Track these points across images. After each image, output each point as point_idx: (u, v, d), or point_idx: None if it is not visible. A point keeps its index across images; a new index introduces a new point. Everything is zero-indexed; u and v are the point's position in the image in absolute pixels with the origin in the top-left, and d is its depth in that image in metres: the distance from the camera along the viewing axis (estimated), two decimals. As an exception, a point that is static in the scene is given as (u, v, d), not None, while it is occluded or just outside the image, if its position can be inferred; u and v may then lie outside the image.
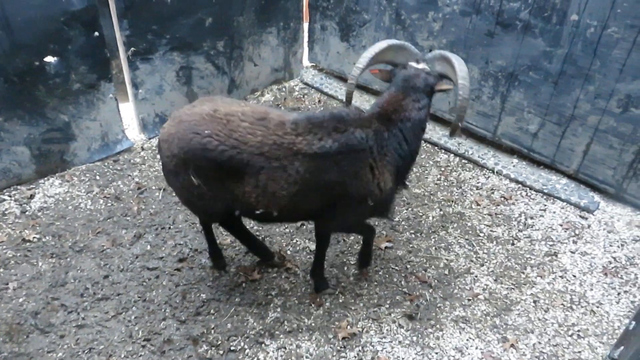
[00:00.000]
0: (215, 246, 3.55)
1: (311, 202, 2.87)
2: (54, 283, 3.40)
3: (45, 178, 4.26)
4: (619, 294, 3.53)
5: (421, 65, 2.96)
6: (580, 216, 4.17)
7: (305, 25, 5.95)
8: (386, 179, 2.89)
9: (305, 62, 6.21)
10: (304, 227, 3.98)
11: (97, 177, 4.33)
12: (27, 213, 3.92)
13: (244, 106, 2.85)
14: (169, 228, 3.89)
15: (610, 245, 3.90)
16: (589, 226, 4.08)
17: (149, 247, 3.72)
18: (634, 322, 2.74)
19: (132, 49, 4.41)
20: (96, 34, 4.07)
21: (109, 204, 4.07)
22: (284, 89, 5.82)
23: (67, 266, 3.53)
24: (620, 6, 3.64)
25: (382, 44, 2.91)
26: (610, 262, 3.76)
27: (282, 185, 2.74)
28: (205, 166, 2.74)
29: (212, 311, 3.31)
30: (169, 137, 2.81)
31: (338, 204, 2.91)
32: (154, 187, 4.27)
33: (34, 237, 3.70)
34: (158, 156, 4.61)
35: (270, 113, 2.82)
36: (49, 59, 3.91)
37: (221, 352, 3.07)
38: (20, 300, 3.28)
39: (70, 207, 4.01)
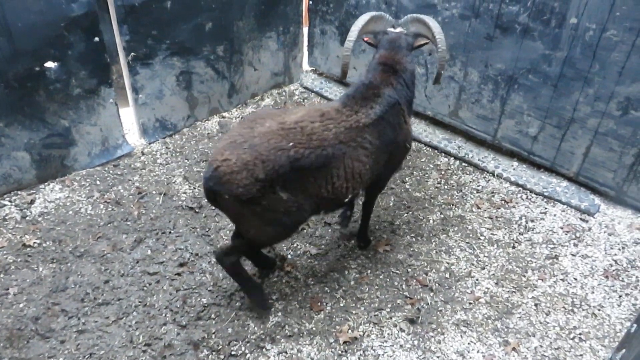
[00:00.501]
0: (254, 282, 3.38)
1: (380, 166, 3.21)
2: (54, 288, 3.40)
3: (46, 183, 4.26)
4: (620, 296, 3.53)
5: (398, 30, 3.39)
6: (581, 219, 4.17)
7: (305, 30, 5.96)
8: (410, 122, 3.40)
9: (305, 66, 6.23)
10: (304, 231, 3.98)
11: (98, 182, 4.34)
12: (27, 218, 3.92)
13: (297, 112, 2.99)
14: (170, 233, 3.89)
15: (611, 248, 3.90)
16: (589, 229, 4.07)
17: (149, 252, 3.72)
18: (635, 325, 2.73)
19: (132, 54, 4.42)
20: (96, 39, 4.08)
21: (110, 209, 4.07)
22: (284, 93, 5.83)
23: (67, 271, 3.52)
24: (619, 9, 3.65)
25: (365, 17, 3.26)
26: (612, 265, 3.76)
27: (364, 160, 3.04)
28: (293, 178, 2.80)
29: (212, 316, 3.31)
30: (245, 165, 2.70)
31: (389, 159, 3.29)
32: (154, 192, 4.27)
33: (34, 242, 3.70)
34: (158, 160, 4.63)
35: (322, 108, 3.05)
36: (50, 64, 3.92)
37: (222, 356, 3.07)
38: (21, 305, 3.27)
39: (70, 212, 4.01)
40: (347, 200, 3.13)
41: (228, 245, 3.26)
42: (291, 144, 2.77)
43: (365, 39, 3.39)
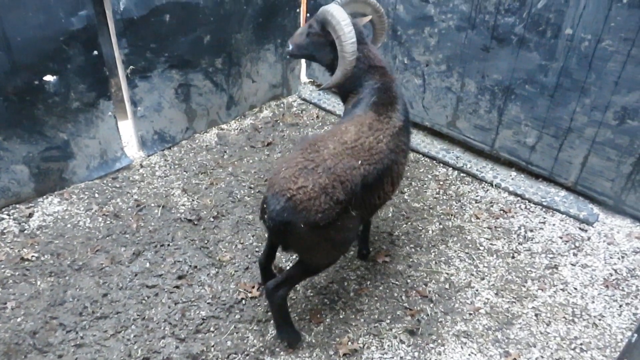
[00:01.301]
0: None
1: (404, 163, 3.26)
2: (52, 302, 3.38)
3: (44, 196, 4.26)
4: (620, 306, 3.52)
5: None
6: (580, 228, 4.17)
7: (303, 42, 5.99)
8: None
9: (303, 78, 6.26)
10: (304, 242, 3.97)
11: (96, 195, 4.33)
12: (25, 232, 3.91)
13: (348, 130, 2.95)
14: (168, 245, 3.88)
15: (611, 257, 3.89)
16: (588, 238, 4.07)
17: (148, 265, 3.71)
18: (636, 335, 2.72)
19: (131, 67, 4.44)
20: (95, 52, 4.11)
21: (108, 222, 4.06)
22: (282, 105, 5.85)
23: (65, 285, 3.51)
24: (614, 20, 3.68)
25: (338, 8, 3.12)
26: (611, 274, 3.75)
27: (403, 162, 3.18)
28: (360, 195, 2.83)
29: (211, 329, 3.29)
30: (324, 189, 2.67)
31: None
32: (152, 205, 4.26)
33: (32, 256, 3.68)
34: (157, 173, 4.63)
35: (366, 121, 3.01)
36: (49, 77, 3.94)
37: (221, 370, 3.05)
38: (19, 319, 3.25)
39: (69, 226, 4.00)
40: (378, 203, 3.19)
41: (281, 278, 3.01)
42: (359, 162, 2.81)
43: (365, 20, 3.42)
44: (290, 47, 3.43)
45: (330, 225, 2.73)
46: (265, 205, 2.82)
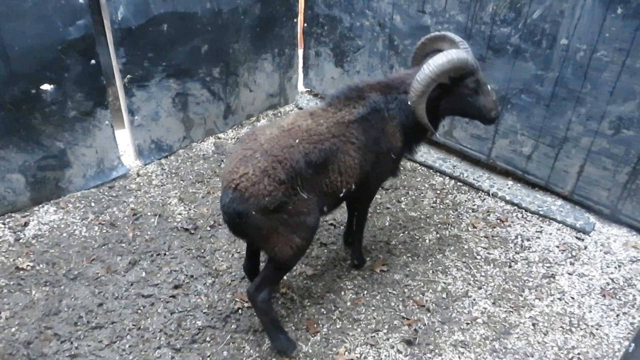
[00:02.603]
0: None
1: (367, 164, 3.22)
2: (47, 312, 3.35)
3: (40, 205, 4.25)
4: (617, 315, 3.51)
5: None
6: (577, 237, 4.17)
7: (300, 52, 6.03)
8: (397, 137, 3.31)
9: (300, 87, 6.28)
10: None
11: (92, 204, 4.32)
12: (21, 241, 3.89)
13: (288, 117, 3.12)
14: (164, 254, 3.87)
15: (608, 267, 3.89)
16: (585, 247, 4.07)
17: (144, 274, 3.69)
18: (633, 345, 2.71)
19: (129, 76, 4.45)
20: (93, 62, 4.12)
21: (104, 231, 4.05)
22: (279, 114, 5.87)
23: (61, 294, 3.49)
24: (608, 30, 3.72)
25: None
26: (608, 284, 3.75)
27: (352, 154, 3.09)
28: (307, 175, 2.87)
29: (207, 339, 3.27)
30: (264, 171, 2.71)
31: (376, 163, 3.28)
32: (149, 214, 4.25)
33: (27, 265, 3.66)
34: (154, 182, 4.63)
35: (310, 109, 3.18)
36: (46, 86, 3.94)
37: (217, 380, 3.02)
38: (13, 329, 3.22)
39: (64, 235, 3.98)
40: (341, 195, 3.12)
41: (257, 280, 3.03)
42: (297, 140, 2.87)
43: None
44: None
45: (281, 208, 2.76)
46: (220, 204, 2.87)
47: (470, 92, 3.23)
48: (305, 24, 5.81)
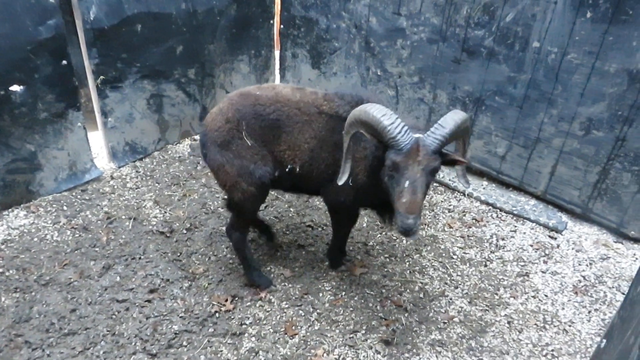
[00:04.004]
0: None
1: (321, 162, 3.18)
2: (17, 319, 3.26)
3: (10, 209, 4.13)
4: (589, 312, 3.59)
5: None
6: (550, 236, 4.26)
7: (277, 53, 6.02)
8: (360, 169, 3.07)
9: (277, 89, 6.26)
10: (278, 253, 3.94)
11: (65, 208, 4.22)
12: (-11, 246, 3.78)
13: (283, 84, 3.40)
14: (139, 258, 3.80)
15: (579, 264, 3.98)
16: (558, 246, 4.16)
17: (118, 279, 3.62)
18: (605, 340, 2.78)
19: (101, 77, 4.37)
20: (64, 62, 4.03)
21: (77, 235, 3.96)
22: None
23: (31, 301, 3.39)
24: (578, 34, 3.81)
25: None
26: (580, 281, 3.84)
27: (306, 138, 3.12)
28: (255, 127, 3.11)
29: (184, 343, 3.22)
30: (220, 111, 3.17)
31: (332, 172, 3.18)
32: (123, 217, 4.18)
33: (-4, 271, 3.56)
34: (128, 185, 4.55)
35: (306, 87, 3.30)
36: (15, 87, 3.84)
37: (194, 385, 2.98)
38: (-19, 338, 3.13)
39: (35, 239, 3.88)
40: (287, 170, 3.20)
41: (228, 221, 3.55)
42: (258, 92, 3.17)
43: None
44: (419, 222, 2.60)
45: (227, 145, 3.14)
46: None
47: (389, 172, 2.67)
48: (282, 26, 5.80)
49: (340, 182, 2.88)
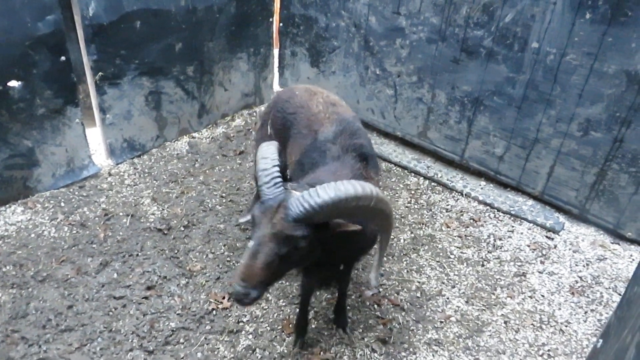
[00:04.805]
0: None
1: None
2: (14, 315, 3.25)
3: (7, 205, 4.12)
4: (586, 312, 3.60)
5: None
6: (547, 237, 4.27)
7: (276, 51, 6.01)
8: None
9: (276, 87, 6.25)
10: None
11: (62, 204, 4.21)
12: (-14, 242, 3.77)
13: (334, 96, 3.34)
14: (137, 255, 3.79)
15: (576, 265, 3.99)
16: (555, 246, 4.17)
17: (115, 275, 3.62)
18: (601, 340, 2.79)
19: (100, 73, 4.36)
20: (63, 58, 4.01)
21: (74, 232, 3.95)
22: (254, 114, 5.83)
23: (28, 297, 3.38)
24: (577, 35, 3.81)
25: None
26: (577, 282, 3.85)
27: (296, 150, 3.05)
28: (274, 119, 3.29)
29: (181, 340, 3.22)
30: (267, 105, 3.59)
31: None
32: (121, 214, 4.17)
33: (-7, 267, 3.55)
34: (126, 181, 4.54)
35: (341, 107, 3.19)
36: (13, 83, 3.82)
37: (191, 382, 2.98)
38: (-23, 334, 3.12)
39: (32, 235, 3.87)
40: (286, 172, 3.19)
41: None
42: (297, 92, 3.29)
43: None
44: (254, 295, 2.12)
45: (261, 125, 3.48)
46: None
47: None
48: (281, 24, 5.79)
49: None
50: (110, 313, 3.35)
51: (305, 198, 2.05)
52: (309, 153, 2.90)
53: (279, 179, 2.18)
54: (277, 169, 2.20)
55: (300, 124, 3.11)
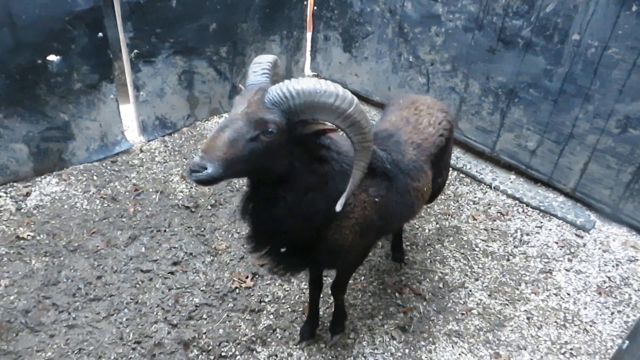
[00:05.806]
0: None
1: None
2: (46, 282, 3.38)
3: (43, 176, 4.25)
4: (612, 313, 3.53)
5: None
6: (576, 234, 4.17)
7: (309, 35, 5.98)
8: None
9: (307, 71, 6.24)
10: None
11: (95, 178, 4.32)
12: (22, 210, 3.90)
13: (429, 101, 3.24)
14: (164, 231, 3.88)
15: (605, 265, 3.90)
16: (584, 245, 4.08)
17: (143, 250, 3.71)
18: (627, 342, 2.73)
19: (135, 51, 4.42)
20: (100, 34, 4.09)
21: (105, 205, 4.05)
22: (285, 97, 5.83)
23: (60, 265, 3.51)
24: (622, 27, 3.68)
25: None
26: (605, 282, 3.76)
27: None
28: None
29: (204, 316, 3.29)
30: None
31: None
32: (150, 190, 4.26)
33: (28, 235, 3.68)
34: (157, 158, 4.62)
35: (421, 109, 3.12)
36: (52, 57, 3.92)
37: (212, 357, 3.05)
38: (12, 297, 3.25)
39: (66, 206, 3.99)
40: None
41: None
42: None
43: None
44: (210, 170, 1.99)
45: None
46: None
47: None
48: (315, 7, 5.75)
49: None
50: (137, 285, 3.44)
51: (285, 84, 2.06)
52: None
53: (267, 71, 2.27)
54: (270, 66, 2.32)
55: None
